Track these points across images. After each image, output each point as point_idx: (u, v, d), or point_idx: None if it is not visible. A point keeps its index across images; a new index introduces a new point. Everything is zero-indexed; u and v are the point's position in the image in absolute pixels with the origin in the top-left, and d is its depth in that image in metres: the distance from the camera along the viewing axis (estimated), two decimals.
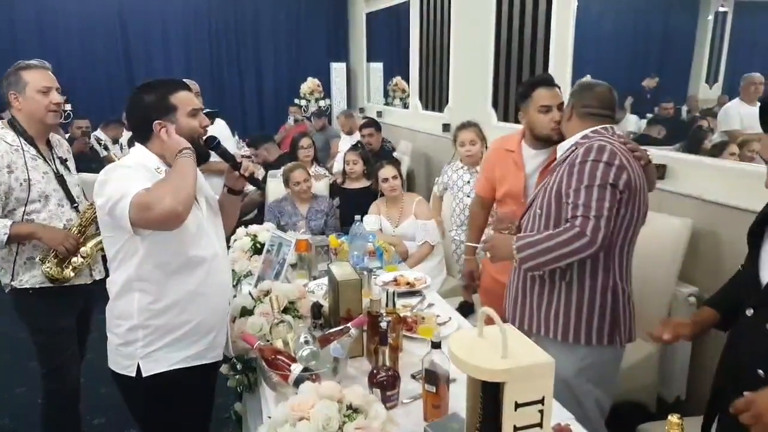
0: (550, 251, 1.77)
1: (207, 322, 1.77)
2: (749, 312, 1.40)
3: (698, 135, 2.96)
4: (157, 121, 1.67)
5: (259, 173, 5.30)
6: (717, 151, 2.82)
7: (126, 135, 6.49)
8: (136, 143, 1.75)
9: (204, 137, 1.79)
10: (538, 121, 2.25)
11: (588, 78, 2.07)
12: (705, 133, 2.93)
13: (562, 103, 2.25)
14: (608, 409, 2.04)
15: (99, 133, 6.16)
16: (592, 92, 1.95)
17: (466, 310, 3.19)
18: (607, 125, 1.91)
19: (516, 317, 2.03)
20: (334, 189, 4.39)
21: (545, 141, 2.30)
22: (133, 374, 1.69)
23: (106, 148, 5.86)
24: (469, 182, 3.29)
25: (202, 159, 1.75)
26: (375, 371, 1.59)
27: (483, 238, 2.57)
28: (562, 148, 1.99)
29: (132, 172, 1.61)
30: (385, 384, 1.54)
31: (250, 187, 4.93)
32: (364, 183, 4.13)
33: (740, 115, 2.76)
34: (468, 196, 3.27)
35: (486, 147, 3.33)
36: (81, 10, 7.29)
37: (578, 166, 1.78)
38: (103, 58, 7.48)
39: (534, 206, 1.98)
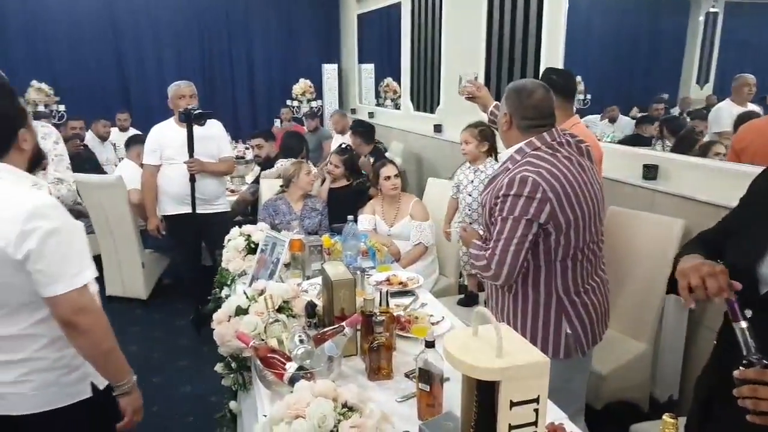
0: (475, 268, 1.99)
1: None
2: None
3: (690, 136, 2.98)
4: (22, 130, 1.54)
5: (253, 172, 5.35)
6: (704, 151, 2.84)
7: (116, 134, 6.46)
8: None
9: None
10: None
11: (521, 81, 2.01)
12: (698, 134, 2.95)
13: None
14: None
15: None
16: (530, 101, 1.89)
17: (470, 301, 3.25)
18: (544, 133, 1.89)
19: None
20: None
21: None
22: (90, 393, 1.61)
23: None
24: (472, 181, 3.30)
25: (36, 164, 1.67)
26: None
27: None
28: (502, 157, 2.02)
29: (77, 231, 1.52)
30: None
31: (243, 187, 4.97)
32: (344, 182, 4.13)
33: (732, 116, 2.78)
34: (470, 195, 3.28)
35: (490, 146, 3.34)
36: (71, 11, 7.25)
37: (501, 198, 1.84)
38: (94, 58, 7.45)
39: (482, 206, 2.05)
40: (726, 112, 2.82)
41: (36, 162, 1.65)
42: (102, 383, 1.63)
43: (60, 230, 1.44)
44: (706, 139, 2.91)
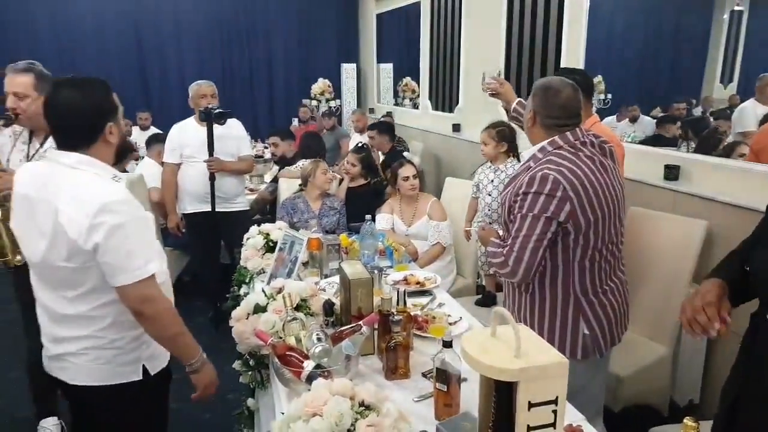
0: (492, 265, 2.00)
1: None
2: None
3: (713, 136, 2.93)
4: (110, 123, 1.61)
5: (272, 171, 5.39)
6: (728, 151, 2.79)
7: (137, 133, 6.54)
8: (71, 154, 1.56)
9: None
10: None
11: (549, 79, 1.98)
12: (721, 135, 2.89)
13: None
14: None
15: None
16: (557, 100, 1.87)
17: (488, 301, 3.23)
18: (567, 132, 1.87)
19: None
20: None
21: None
22: (140, 377, 1.68)
23: None
24: (492, 181, 3.29)
25: (123, 156, 1.75)
26: None
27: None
28: (524, 156, 2.00)
29: (146, 224, 1.62)
30: None
31: (262, 186, 5.01)
32: (361, 182, 4.14)
33: (756, 116, 2.72)
34: (490, 195, 3.27)
35: (510, 147, 3.32)
36: (96, 12, 7.38)
37: (521, 196, 1.83)
38: (117, 58, 7.57)
39: (501, 205, 2.04)
40: (750, 111, 2.77)
41: (123, 154, 1.71)
42: (154, 369, 1.72)
43: (126, 225, 1.51)
44: (729, 139, 2.85)
